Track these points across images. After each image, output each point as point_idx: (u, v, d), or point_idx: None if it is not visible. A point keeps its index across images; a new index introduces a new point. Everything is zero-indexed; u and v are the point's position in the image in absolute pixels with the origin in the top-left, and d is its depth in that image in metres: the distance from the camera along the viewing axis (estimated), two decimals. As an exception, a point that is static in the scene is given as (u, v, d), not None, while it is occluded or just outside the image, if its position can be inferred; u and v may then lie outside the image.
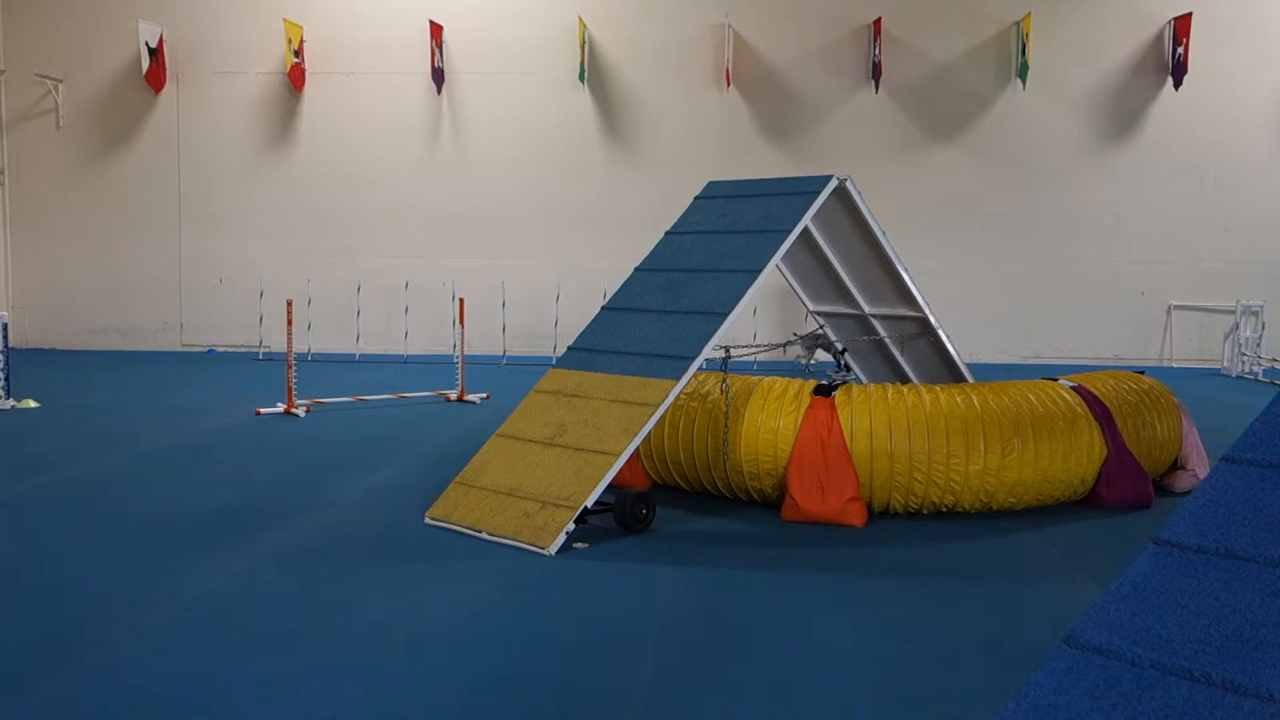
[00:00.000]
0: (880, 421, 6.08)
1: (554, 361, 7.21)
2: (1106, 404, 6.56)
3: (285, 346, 10.56)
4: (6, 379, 10.23)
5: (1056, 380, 6.82)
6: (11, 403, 10.21)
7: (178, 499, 6.60)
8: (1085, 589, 4.96)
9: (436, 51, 15.69)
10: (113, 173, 16.55)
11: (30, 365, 13.14)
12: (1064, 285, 15.58)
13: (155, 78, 16.05)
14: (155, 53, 15.98)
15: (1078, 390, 6.63)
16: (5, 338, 10.30)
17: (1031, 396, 6.42)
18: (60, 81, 16.45)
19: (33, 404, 10.34)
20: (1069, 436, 6.29)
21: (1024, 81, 15.14)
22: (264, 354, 15.46)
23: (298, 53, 15.86)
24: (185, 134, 16.40)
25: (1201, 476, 6.98)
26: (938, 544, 5.79)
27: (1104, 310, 15.55)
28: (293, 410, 9.91)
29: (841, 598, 4.85)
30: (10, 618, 4.44)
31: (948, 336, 7.85)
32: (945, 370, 8.03)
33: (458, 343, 11.44)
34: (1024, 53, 15.04)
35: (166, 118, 16.39)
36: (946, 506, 6.22)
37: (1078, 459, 6.32)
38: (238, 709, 3.55)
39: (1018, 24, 15.25)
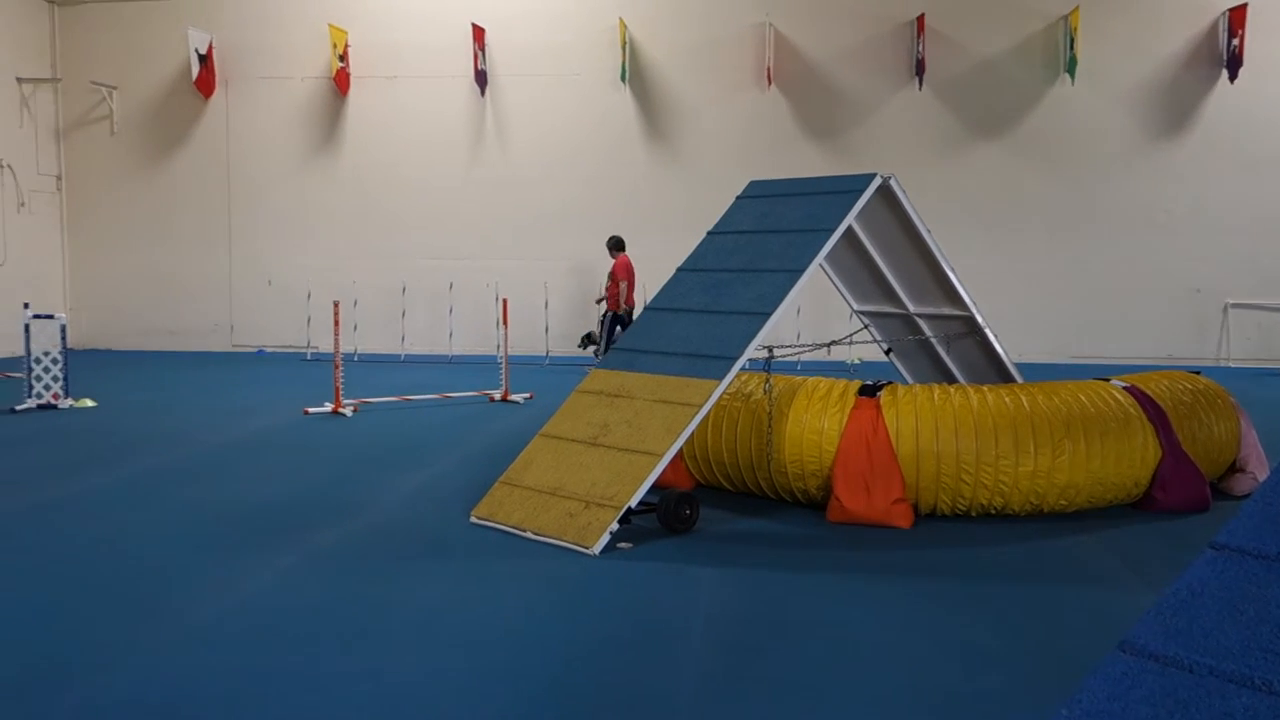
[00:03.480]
0: (926, 422, 6.01)
1: (596, 362, 7.22)
2: (1161, 405, 6.42)
3: (333, 347, 10.70)
4: (65, 379, 10.49)
5: (1108, 380, 6.70)
6: (70, 402, 10.46)
7: (228, 497, 6.71)
8: (1140, 594, 4.85)
9: (479, 54, 15.80)
10: (165, 177, 16.89)
11: (87, 365, 13.46)
12: (1115, 283, 15.30)
13: (205, 84, 16.35)
14: (205, 59, 16.27)
15: (1130, 391, 6.50)
16: (64, 339, 10.57)
17: (1082, 397, 6.30)
18: (114, 89, 16.83)
19: (90, 403, 10.59)
20: (1122, 438, 6.17)
21: (1072, 76, 14.89)
22: (312, 354, 15.68)
23: (343, 57, 16.06)
24: (234, 138, 16.69)
25: (1261, 479, 6.81)
26: (987, 547, 5.71)
27: (1157, 309, 15.25)
28: (340, 410, 10.04)
29: (887, 601, 4.80)
30: (60, 612, 4.54)
31: (995, 336, 7.73)
32: (993, 370, 7.92)
33: (501, 343, 11.51)
34: (1072, 47, 14.79)
35: (216, 123, 16.70)
36: (995, 509, 6.13)
37: (1131, 461, 6.20)
38: (284, 707, 3.59)
39: (1065, 18, 15.00)
